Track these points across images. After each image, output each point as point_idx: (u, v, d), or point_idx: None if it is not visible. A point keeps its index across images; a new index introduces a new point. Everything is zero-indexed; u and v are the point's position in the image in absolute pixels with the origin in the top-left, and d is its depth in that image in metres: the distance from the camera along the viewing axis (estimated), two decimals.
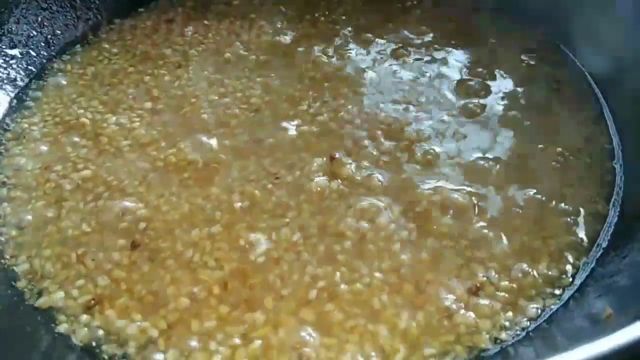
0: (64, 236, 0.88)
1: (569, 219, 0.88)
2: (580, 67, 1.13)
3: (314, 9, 1.29)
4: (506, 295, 0.79)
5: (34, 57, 1.18)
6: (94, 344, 0.76)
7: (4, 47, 1.14)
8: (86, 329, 0.78)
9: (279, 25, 1.25)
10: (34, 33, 1.19)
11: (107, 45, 1.23)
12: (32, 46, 1.18)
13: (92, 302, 0.80)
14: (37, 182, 0.96)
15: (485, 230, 0.86)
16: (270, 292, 0.79)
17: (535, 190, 0.91)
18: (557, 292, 0.80)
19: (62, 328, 0.78)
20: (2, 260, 0.86)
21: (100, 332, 0.77)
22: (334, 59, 1.16)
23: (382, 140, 0.99)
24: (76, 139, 1.03)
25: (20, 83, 1.13)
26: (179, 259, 0.84)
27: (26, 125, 1.07)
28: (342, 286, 0.79)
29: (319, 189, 0.92)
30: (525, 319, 0.77)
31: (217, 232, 0.87)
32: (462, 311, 0.77)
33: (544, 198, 0.90)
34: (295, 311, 0.77)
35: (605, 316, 0.67)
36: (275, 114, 1.05)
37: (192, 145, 0.99)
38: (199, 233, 0.87)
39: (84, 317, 0.79)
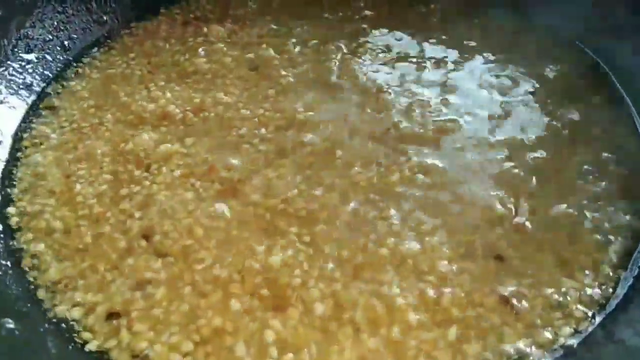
0: (87, 245, 0.86)
1: (601, 236, 0.85)
2: (613, 79, 1.10)
3: None
4: (538, 312, 0.77)
5: (50, 61, 1.16)
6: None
7: (19, 51, 1.12)
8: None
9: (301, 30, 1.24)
10: (50, 37, 1.17)
11: (124, 50, 1.21)
12: (48, 50, 1.16)
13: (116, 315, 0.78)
14: (57, 190, 0.94)
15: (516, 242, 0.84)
16: None
17: (565, 202, 0.89)
18: (592, 312, 0.77)
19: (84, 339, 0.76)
20: (20, 268, 0.84)
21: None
22: None
23: None
24: (94, 147, 1.00)
25: (36, 88, 1.12)
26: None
27: (44, 132, 1.05)
28: None
29: None
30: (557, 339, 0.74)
31: None
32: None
33: (576, 212, 0.88)
34: None
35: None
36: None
37: (217, 158, 0.97)
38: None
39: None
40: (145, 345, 0.74)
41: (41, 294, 0.81)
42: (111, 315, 0.77)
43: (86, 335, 0.76)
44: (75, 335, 0.76)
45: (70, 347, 0.75)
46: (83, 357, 0.73)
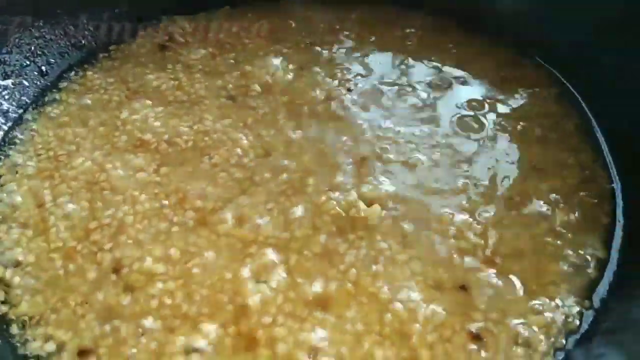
0: (59, 279, 0.86)
1: (566, 266, 0.87)
2: (581, 104, 1.12)
3: None
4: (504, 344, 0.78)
5: (27, 87, 1.16)
6: None
7: None
8: None
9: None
10: (27, 62, 1.17)
11: (102, 74, 1.21)
12: (25, 76, 1.16)
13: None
14: (32, 221, 0.94)
15: (481, 273, 0.85)
16: None
17: (531, 231, 0.91)
18: (556, 347, 0.79)
19: None
20: None
21: None
22: None
23: None
24: (70, 175, 1.01)
25: (13, 115, 1.12)
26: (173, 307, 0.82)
27: (20, 160, 1.05)
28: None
29: None
30: None
31: None
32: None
33: (540, 240, 0.89)
34: None
35: None
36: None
37: (191, 187, 0.98)
38: None
39: None
40: None
41: (13, 329, 0.82)
42: (82, 353, 0.78)
43: None
44: None
45: None
46: None
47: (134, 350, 0.78)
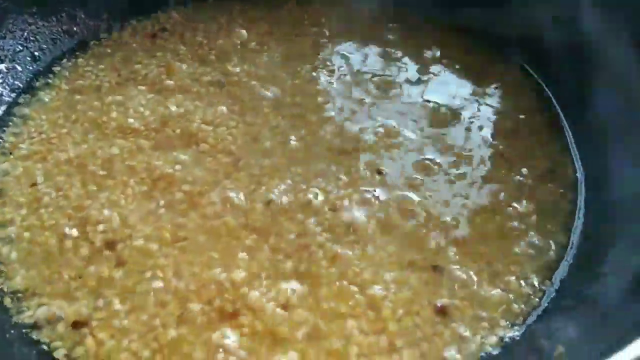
0: (53, 254, 0.91)
1: (530, 249, 0.93)
2: (549, 95, 1.19)
3: None
4: (469, 319, 0.84)
5: (20, 72, 1.19)
6: None
7: None
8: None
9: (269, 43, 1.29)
10: (20, 48, 1.20)
11: (93, 61, 1.25)
12: (18, 61, 1.20)
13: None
14: (25, 200, 0.98)
15: (451, 253, 0.91)
16: None
17: (498, 217, 0.97)
18: (517, 322, 0.85)
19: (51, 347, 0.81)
20: None
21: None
22: None
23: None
24: (61, 158, 1.04)
25: (7, 98, 1.15)
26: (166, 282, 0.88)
27: (13, 142, 1.08)
28: None
29: None
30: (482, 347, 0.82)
31: None
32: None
33: (506, 225, 0.96)
34: None
35: (556, 355, 0.73)
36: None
37: (179, 170, 1.02)
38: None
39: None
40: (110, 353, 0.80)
41: (7, 301, 0.86)
42: (76, 324, 0.82)
43: (53, 343, 0.81)
44: (42, 342, 0.81)
45: (34, 352, 0.80)
46: None
47: (126, 322, 0.83)
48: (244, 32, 1.32)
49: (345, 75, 1.22)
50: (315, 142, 1.08)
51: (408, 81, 1.22)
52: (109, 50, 1.28)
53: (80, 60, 1.26)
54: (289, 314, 0.83)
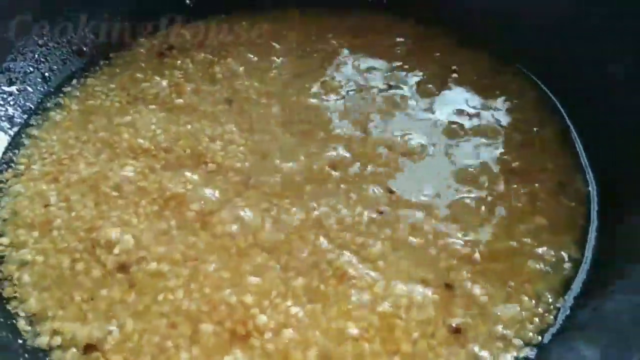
0: (65, 277, 0.91)
1: (542, 265, 0.92)
2: (559, 108, 1.18)
3: None
4: (484, 339, 0.84)
5: (31, 93, 1.21)
6: None
7: (1, 84, 1.16)
8: None
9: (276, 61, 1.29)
10: (31, 69, 1.22)
11: (103, 81, 1.26)
12: (29, 82, 1.21)
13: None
14: (38, 221, 0.99)
15: (464, 272, 0.91)
16: None
17: (510, 232, 0.96)
18: (532, 341, 0.84)
19: None
20: (1, 298, 0.89)
21: None
22: None
23: None
24: (73, 179, 1.05)
25: (18, 120, 1.16)
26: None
27: (25, 163, 1.09)
28: None
29: None
30: None
31: None
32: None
33: (518, 241, 0.95)
34: None
35: None
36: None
37: (190, 190, 1.02)
38: None
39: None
40: None
41: (21, 324, 0.87)
42: (88, 348, 0.83)
43: None
44: None
45: None
46: None
47: (138, 344, 0.83)
48: (252, 49, 1.32)
49: (353, 90, 1.23)
50: (325, 159, 1.08)
51: (416, 95, 1.21)
52: (118, 70, 1.29)
53: (90, 80, 1.27)
54: (300, 335, 0.83)
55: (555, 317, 0.87)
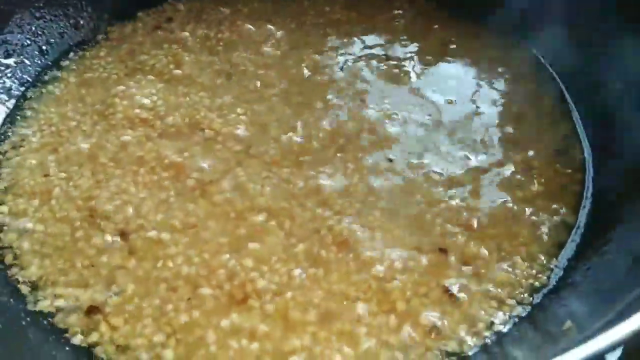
0: (66, 244, 0.92)
1: (537, 230, 0.93)
2: (555, 77, 1.19)
3: None
4: (476, 299, 0.85)
5: (29, 66, 1.20)
6: None
7: None
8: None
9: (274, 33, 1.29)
10: (28, 42, 1.22)
11: (101, 54, 1.26)
12: (26, 55, 1.21)
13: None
14: (37, 191, 1.00)
15: (459, 236, 0.92)
16: None
17: (506, 199, 0.97)
18: (525, 300, 0.86)
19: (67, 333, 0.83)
20: (2, 266, 0.90)
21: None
22: None
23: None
24: (72, 150, 1.06)
25: (15, 92, 1.16)
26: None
27: (24, 135, 1.10)
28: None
29: None
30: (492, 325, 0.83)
31: None
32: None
33: (515, 207, 0.96)
34: None
35: (564, 329, 0.73)
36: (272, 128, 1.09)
37: (189, 159, 1.03)
38: None
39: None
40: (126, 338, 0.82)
41: (23, 289, 0.88)
42: (90, 310, 0.84)
43: (68, 329, 0.83)
44: (57, 329, 0.83)
45: (50, 338, 0.81)
46: (61, 348, 0.80)
47: (138, 307, 0.84)
48: (249, 22, 1.32)
49: (350, 62, 1.23)
50: (323, 129, 1.08)
51: (415, 67, 1.21)
52: (116, 43, 1.29)
53: (87, 53, 1.27)
54: (299, 297, 0.84)
55: (549, 278, 0.88)
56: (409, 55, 1.24)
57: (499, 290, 0.86)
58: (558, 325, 0.75)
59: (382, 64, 1.22)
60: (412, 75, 1.20)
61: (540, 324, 0.80)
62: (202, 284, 0.86)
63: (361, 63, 1.22)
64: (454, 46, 1.26)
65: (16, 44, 1.20)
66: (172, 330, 0.82)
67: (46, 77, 1.21)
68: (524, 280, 0.87)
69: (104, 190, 0.99)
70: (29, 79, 1.19)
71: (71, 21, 1.29)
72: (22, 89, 1.18)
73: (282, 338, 0.81)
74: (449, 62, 1.23)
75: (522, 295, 0.86)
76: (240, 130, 1.08)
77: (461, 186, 0.99)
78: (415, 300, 0.84)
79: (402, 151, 1.05)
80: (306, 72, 1.20)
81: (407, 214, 0.95)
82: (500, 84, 1.18)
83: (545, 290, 0.86)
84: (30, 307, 0.85)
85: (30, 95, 1.17)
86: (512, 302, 0.85)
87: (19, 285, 0.88)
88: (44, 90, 1.18)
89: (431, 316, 0.82)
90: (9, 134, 1.10)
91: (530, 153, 1.04)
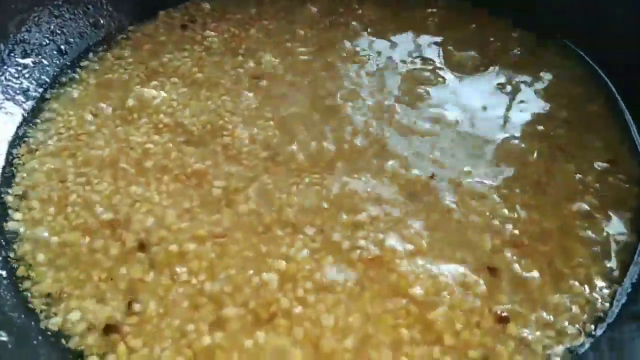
0: (82, 255, 0.86)
1: (595, 248, 0.85)
2: (605, 81, 1.11)
3: None
4: (532, 328, 0.77)
5: (47, 66, 1.15)
6: None
7: (16, 56, 1.11)
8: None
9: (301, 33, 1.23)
10: (47, 41, 1.17)
11: (121, 54, 1.21)
12: (44, 55, 1.16)
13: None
14: (55, 197, 0.94)
15: (508, 254, 0.84)
16: None
17: (559, 214, 0.89)
18: (585, 330, 0.78)
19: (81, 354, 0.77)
20: (14, 278, 0.84)
21: None
22: None
23: None
24: (91, 155, 1.00)
25: (34, 93, 1.11)
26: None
27: (40, 138, 1.04)
28: None
29: None
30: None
31: None
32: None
33: (571, 225, 0.88)
34: None
35: None
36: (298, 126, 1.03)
37: (212, 167, 0.97)
38: None
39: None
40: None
41: (36, 303, 0.82)
42: (107, 329, 0.78)
43: (83, 350, 0.77)
44: (71, 349, 0.77)
45: None
46: None
47: (158, 327, 0.77)
48: (275, 22, 1.26)
49: (380, 65, 1.16)
50: (353, 134, 1.02)
51: (451, 70, 1.14)
52: (137, 43, 1.23)
53: (107, 54, 1.21)
54: (333, 322, 0.77)
55: (610, 305, 0.79)
56: (443, 57, 1.17)
57: (556, 317, 0.78)
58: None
59: (415, 66, 1.15)
60: (448, 78, 1.13)
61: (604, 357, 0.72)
62: (226, 303, 0.79)
63: (392, 66, 1.15)
64: (492, 48, 1.18)
65: (34, 44, 1.15)
66: (192, 354, 0.75)
67: (65, 78, 1.15)
68: (583, 308, 0.79)
69: (125, 197, 0.93)
70: (47, 79, 1.14)
71: (91, 20, 1.24)
72: (40, 90, 1.13)
73: None
74: (486, 65, 1.15)
75: (581, 325, 0.78)
76: (266, 137, 1.01)
77: (510, 199, 0.91)
78: (466, 332, 0.76)
79: (443, 158, 0.97)
80: (333, 74, 1.13)
81: (451, 227, 0.88)
82: (545, 88, 1.10)
83: (608, 320, 0.78)
84: (42, 324, 0.79)
85: (48, 97, 1.12)
86: (572, 331, 0.77)
87: (31, 300, 0.82)
88: (62, 92, 1.13)
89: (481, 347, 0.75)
90: (25, 137, 1.05)
91: (582, 163, 0.97)
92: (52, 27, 1.18)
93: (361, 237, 0.86)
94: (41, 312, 0.81)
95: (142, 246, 0.86)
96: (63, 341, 0.77)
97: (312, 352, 0.74)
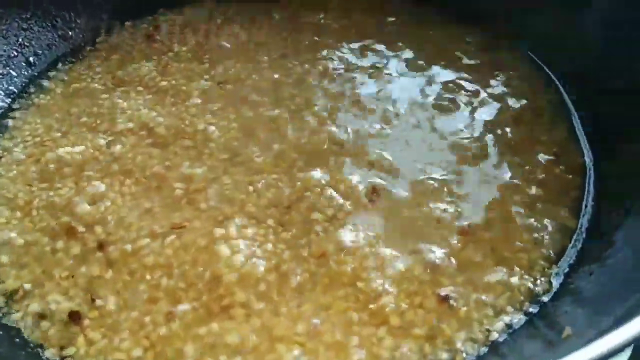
0: (45, 255, 0.89)
1: (537, 234, 0.89)
2: (553, 79, 1.16)
3: None
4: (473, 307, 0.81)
5: (15, 77, 1.18)
6: None
7: None
8: None
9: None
10: (15, 53, 1.20)
11: (89, 65, 1.24)
12: (12, 66, 1.19)
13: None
14: (20, 202, 0.97)
15: (454, 241, 0.88)
16: None
17: (504, 203, 0.93)
18: (523, 307, 0.82)
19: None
20: None
21: None
22: None
23: None
24: (56, 160, 1.02)
25: (1, 104, 1.14)
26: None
27: (7, 146, 1.07)
28: None
29: None
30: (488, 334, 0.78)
31: None
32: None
33: (514, 210, 0.92)
34: None
35: (563, 337, 0.69)
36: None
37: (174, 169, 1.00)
38: None
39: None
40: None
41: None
42: (67, 323, 0.80)
43: (43, 343, 0.80)
44: (31, 343, 0.79)
45: (23, 353, 0.77)
46: None
47: (118, 320, 0.80)
48: (240, 31, 1.30)
49: (340, 70, 1.20)
50: (314, 136, 1.05)
51: (407, 73, 1.19)
52: (105, 54, 1.27)
53: (75, 64, 1.25)
54: (286, 308, 0.80)
55: (550, 285, 0.83)
56: (401, 60, 1.22)
57: (497, 297, 0.81)
58: (557, 334, 0.70)
59: (374, 71, 1.19)
60: (405, 80, 1.17)
61: (539, 331, 0.75)
62: (181, 296, 0.82)
63: (352, 70, 1.20)
64: (446, 50, 1.23)
65: (1, 55, 1.17)
66: (150, 344, 0.78)
67: (32, 89, 1.19)
68: (523, 287, 0.83)
69: (86, 200, 0.95)
70: (15, 90, 1.17)
71: (60, 32, 1.27)
72: (8, 100, 1.16)
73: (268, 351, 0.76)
74: (441, 66, 1.20)
75: (520, 303, 0.82)
76: (227, 139, 1.05)
77: (458, 190, 0.95)
78: (410, 312, 0.80)
79: (396, 156, 1.01)
80: (295, 82, 1.17)
81: (402, 219, 0.92)
82: (496, 87, 1.15)
83: (545, 298, 0.82)
84: (4, 320, 0.82)
85: (16, 107, 1.15)
86: (510, 309, 0.81)
87: None
88: (30, 102, 1.16)
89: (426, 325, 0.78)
90: None
91: (528, 156, 1.01)
92: (20, 39, 1.21)
93: (314, 233, 0.89)
94: (3, 308, 0.83)
95: (101, 246, 0.89)
96: (23, 334, 0.80)
97: (267, 337, 0.77)
